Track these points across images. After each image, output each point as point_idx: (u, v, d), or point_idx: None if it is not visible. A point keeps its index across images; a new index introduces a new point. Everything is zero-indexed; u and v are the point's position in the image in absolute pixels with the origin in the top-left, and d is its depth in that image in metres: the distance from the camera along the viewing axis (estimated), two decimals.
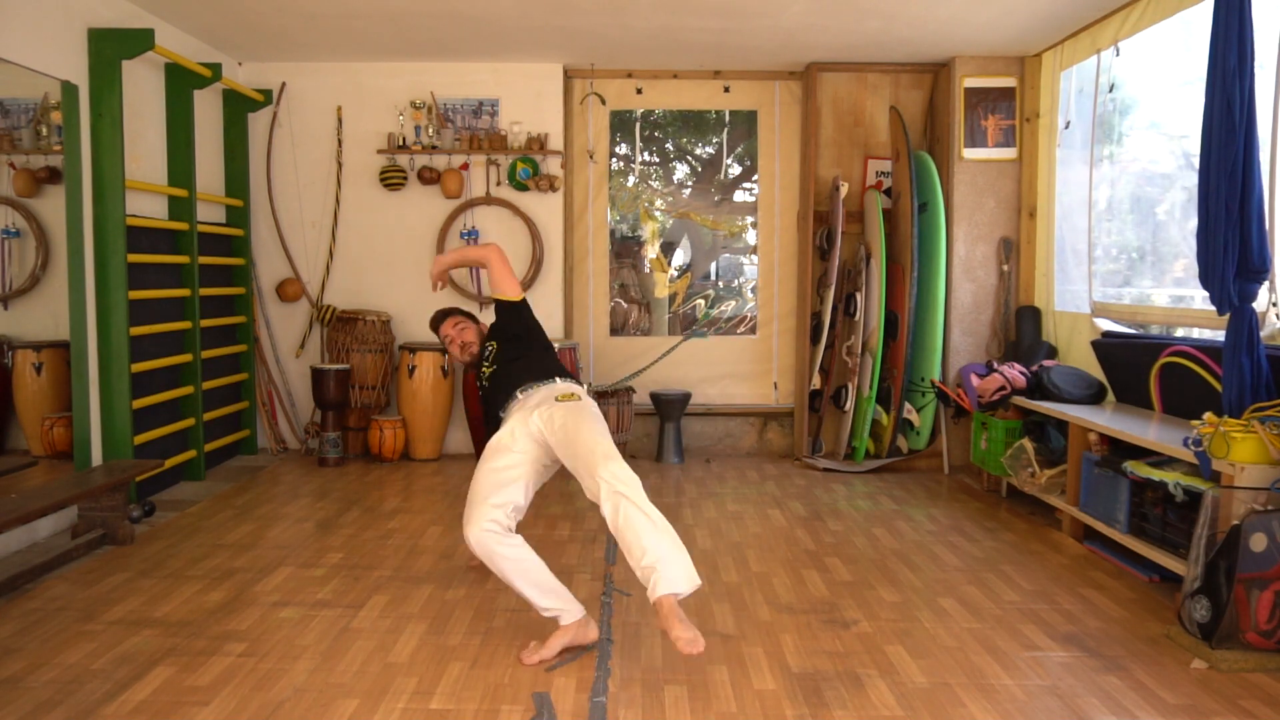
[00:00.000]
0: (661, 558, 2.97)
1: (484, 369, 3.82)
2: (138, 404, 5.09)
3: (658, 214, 7.32)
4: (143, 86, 5.35)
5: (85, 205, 4.80)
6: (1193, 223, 4.15)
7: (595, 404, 3.55)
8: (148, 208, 5.41)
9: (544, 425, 3.35)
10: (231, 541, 4.55)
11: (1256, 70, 3.80)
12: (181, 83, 5.62)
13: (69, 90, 4.68)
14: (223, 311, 6.24)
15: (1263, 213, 3.76)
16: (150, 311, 5.33)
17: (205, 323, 5.86)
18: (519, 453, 3.35)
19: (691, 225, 7.37)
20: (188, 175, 5.66)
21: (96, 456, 4.92)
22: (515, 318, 3.81)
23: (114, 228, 4.90)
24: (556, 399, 3.44)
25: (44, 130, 4.80)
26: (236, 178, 6.42)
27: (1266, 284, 3.98)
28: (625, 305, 7.32)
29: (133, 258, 5.04)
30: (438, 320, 4.16)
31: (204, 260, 5.87)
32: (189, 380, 5.71)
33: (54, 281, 4.79)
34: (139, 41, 4.91)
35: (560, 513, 5.14)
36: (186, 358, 5.68)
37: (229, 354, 6.28)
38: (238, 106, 6.39)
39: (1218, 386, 4.03)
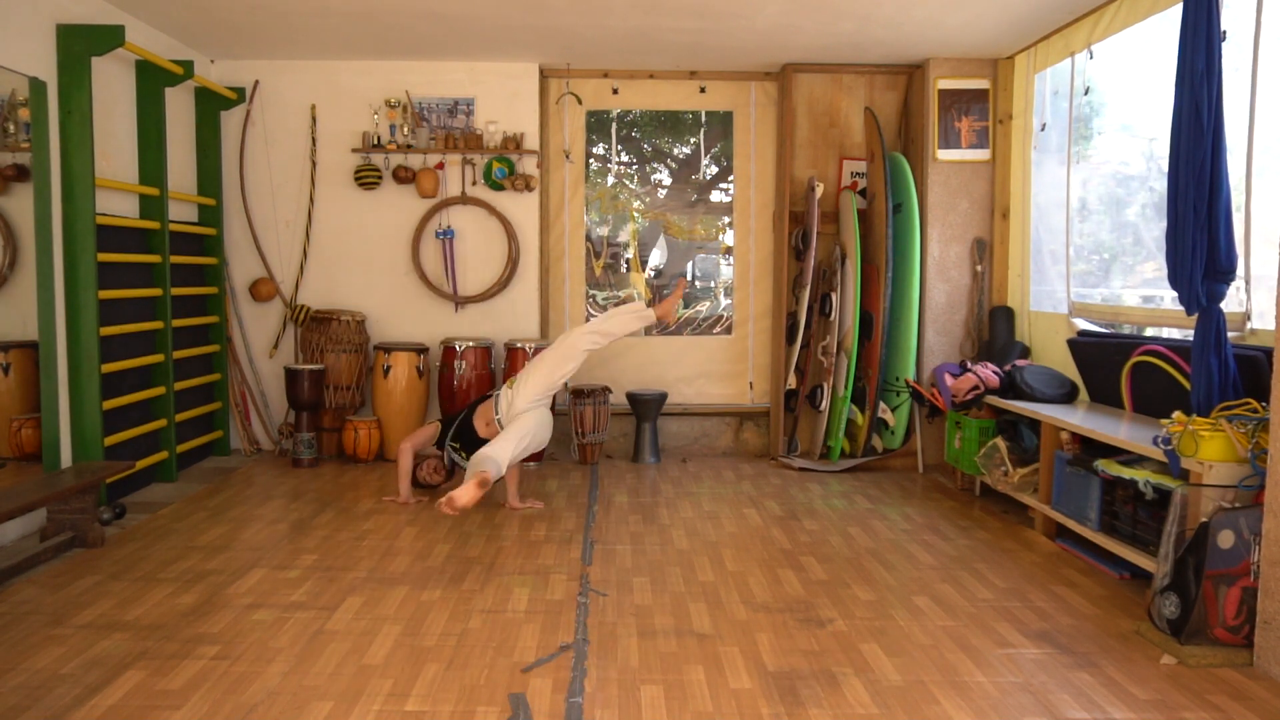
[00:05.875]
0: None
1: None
2: (108, 405, 5.03)
3: (635, 214, 7.32)
4: (113, 83, 5.29)
5: (54, 203, 4.74)
6: (1162, 223, 4.21)
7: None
8: (118, 206, 5.35)
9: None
10: (204, 543, 4.50)
11: (1233, 73, 3.86)
12: (153, 80, 5.55)
13: (37, 87, 4.61)
14: (195, 311, 6.18)
15: (1230, 214, 3.81)
16: (121, 311, 5.27)
17: (177, 323, 5.80)
18: None
19: (667, 227, 7.37)
20: (159, 173, 5.60)
21: (66, 458, 4.85)
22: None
23: (83, 226, 4.84)
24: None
25: (11, 127, 4.73)
26: (209, 176, 6.36)
27: (1242, 287, 4.05)
28: (602, 304, 7.31)
29: (103, 257, 4.99)
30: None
31: (176, 259, 5.81)
32: (160, 381, 5.66)
33: (22, 281, 4.71)
34: (109, 38, 4.86)
35: (536, 514, 5.13)
36: (158, 358, 5.62)
37: (201, 354, 6.21)
38: (210, 104, 6.33)
39: (1187, 385, 4.08)
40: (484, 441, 5.07)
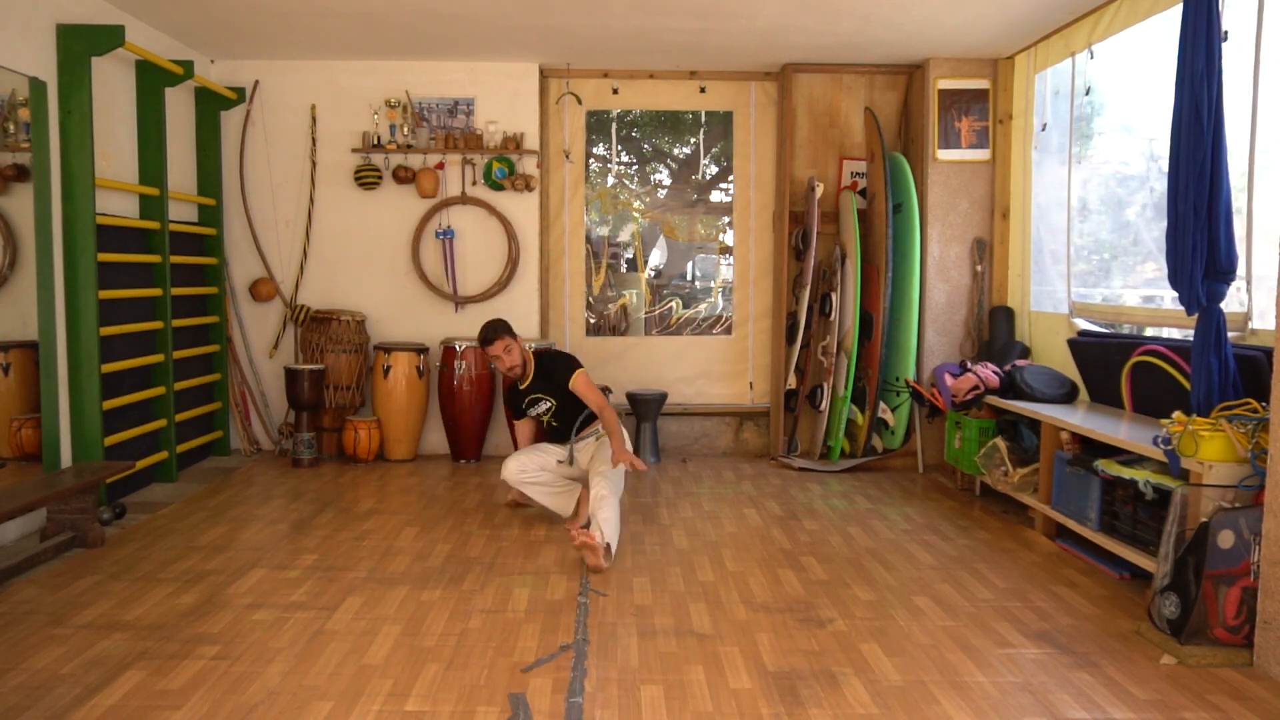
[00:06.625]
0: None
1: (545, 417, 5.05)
2: (108, 405, 5.03)
3: (634, 214, 7.33)
4: (113, 83, 5.29)
5: (54, 203, 4.74)
6: (1162, 223, 4.20)
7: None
8: (118, 206, 5.35)
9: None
10: (204, 543, 4.50)
11: (1234, 73, 3.86)
12: (153, 80, 5.55)
13: (37, 87, 4.61)
14: (195, 311, 6.18)
15: (1230, 214, 3.81)
16: (121, 311, 5.27)
17: (177, 323, 5.80)
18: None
19: (666, 227, 7.38)
20: (159, 173, 5.60)
21: (66, 458, 4.85)
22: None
23: (83, 226, 4.84)
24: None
25: (11, 127, 4.73)
26: (209, 176, 6.36)
27: (1243, 287, 4.05)
28: (601, 305, 7.32)
29: (103, 257, 4.99)
30: (488, 339, 4.90)
31: (176, 259, 5.81)
32: (160, 381, 5.66)
33: (22, 281, 4.72)
34: (109, 38, 4.86)
35: (536, 514, 5.13)
36: (158, 358, 5.62)
37: (201, 354, 6.21)
38: (210, 104, 6.33)
39: (1187, 385, 4.08)
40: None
